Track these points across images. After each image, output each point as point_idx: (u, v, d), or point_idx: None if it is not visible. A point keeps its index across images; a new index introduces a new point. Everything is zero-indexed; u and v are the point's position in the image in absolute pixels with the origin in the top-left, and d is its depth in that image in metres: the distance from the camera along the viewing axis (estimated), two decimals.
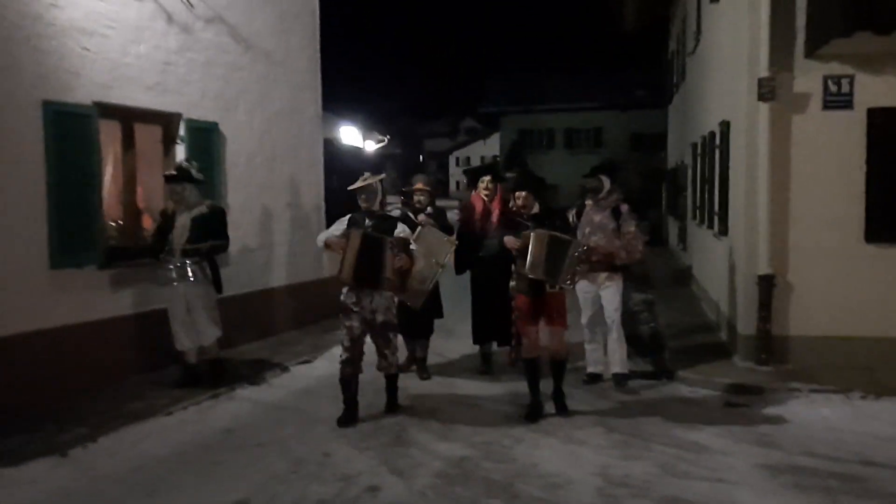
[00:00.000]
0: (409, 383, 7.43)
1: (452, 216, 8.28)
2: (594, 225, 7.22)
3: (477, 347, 8.03)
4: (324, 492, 4.96)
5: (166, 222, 7.07)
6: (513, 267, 6.47)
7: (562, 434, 5.97)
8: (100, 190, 7.22)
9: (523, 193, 6.48)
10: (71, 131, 6.82)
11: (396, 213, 7.47)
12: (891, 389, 6.88)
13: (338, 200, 11.03)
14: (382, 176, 6.64)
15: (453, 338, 8.93)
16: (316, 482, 5.11)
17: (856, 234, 7.71)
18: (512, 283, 6.50)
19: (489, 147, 40.42)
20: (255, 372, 7.80)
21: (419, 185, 7.78)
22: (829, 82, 7.68)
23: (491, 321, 7.63)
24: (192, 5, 8.18)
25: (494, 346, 7.94)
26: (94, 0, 7.11)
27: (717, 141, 10.04)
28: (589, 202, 7.39)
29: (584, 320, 7.44)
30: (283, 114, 9.91)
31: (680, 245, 16.71)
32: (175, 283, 6.98)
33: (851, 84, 7.66)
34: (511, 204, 7.02)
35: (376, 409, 6.56)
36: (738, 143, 8.44)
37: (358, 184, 6.43)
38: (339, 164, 15.75)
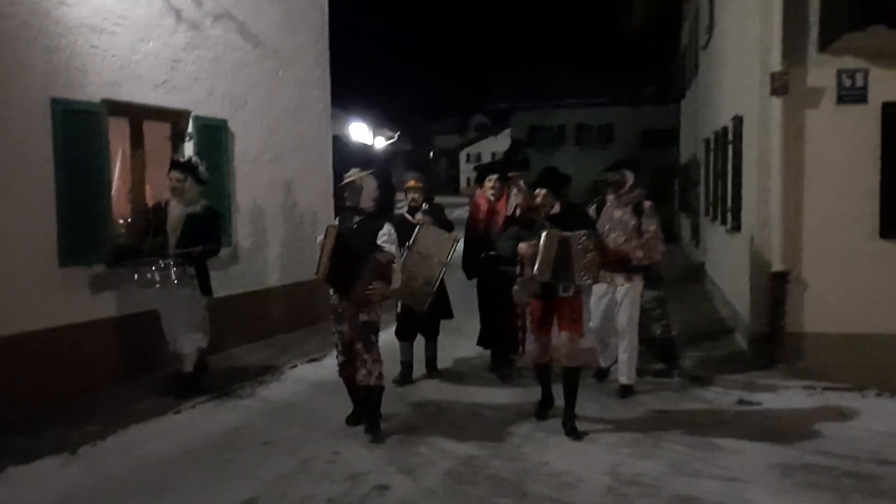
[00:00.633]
0: (420, 382, 7.41)
1: (462, 213, 8.25)
2: (614, 221, 6.92)
3: (481, 349, 7.92)
4: (332, 490, 4.93)
5: (160, 217, 6.81)
6: (518, 271, 6.11)
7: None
8: (109, 188, 7.21)
9: (542, 192, 6.05)
10: (79, 129, 6.80)
11: (405, 210, 7.40)
12: None
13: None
14: (370, 171, 6.28)
15: (461, 337, 8.89)
16: (325, 481, 5.09)
17: (870, 230, 7.62)
18: (515, 288, 6.14)
19: (500, 143, 40.33)
20: (263, 370, 7.78)
21: (411, 183, 7.49)
22: (843, 76, 7.60)
23: (495, 326, 7.47)
24: (200, 2, 8.17)
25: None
26: None
27: (730, 136, 9.96)
28: (609, 197, 7.11)
29: (592, 324, 7.08)
30: (292, 111, 9.88)
31: (692, 241, 16.62)
32: (157, 286, 6.62)
33: (865, 78, 7.57)
34: (514, 203, 6.98)
35: (384, 409, 6.51)
36: (750, 139, 8.37)
37: (344, 180, 6.11)
38: (349, 162, 15.70)
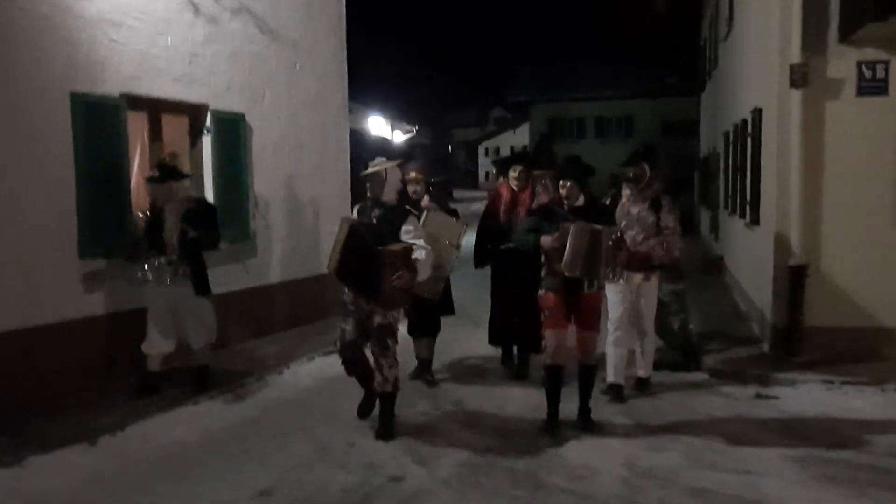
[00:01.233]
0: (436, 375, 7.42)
1: (481, 208, 8.15)
2: (632, 218, 6.59)
3: (492, 347, 7.69)
4: (348, 480, 4.97)
5: (156, 219, 6.65)
6: (543, 264, 5.86)
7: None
8: (128, 181, 7.26)
9: (568, 183, 5.77)
10: (99, 123, 6.86)
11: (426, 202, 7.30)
12: None
13: (364, 190, 11.05)
14: (396, 162, 6.06)
15: (480, 329, 8.88)
16: (341, 471, 5.13)
17: (890, 222, 7.55)
18: (547, 282, 5.84)
19: (519, 136, 40.27)
20: (280, 361, 7.84)
21: (412, 175, 7.13)
22: (864, 68, 7.52)
23: (511, 322, 7.11)
24: None
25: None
26: None
27: (749, 128, 9.89)
28: (626, 192, 6.79)
29: (609, 324, 6.62)
30: (310, 103, 9.92)
31: (711, 234, 16.53)
32: (152, 285, 6.60)
33: (886, 69, 7.50)
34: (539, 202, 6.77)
35: (400, 399, 6.54)
36: (769, 131, 8.31)
37: (368, 170, 5.87)
38: (366, 155, 15.75)
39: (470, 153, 73.27)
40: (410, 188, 7.06)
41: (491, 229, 7.19)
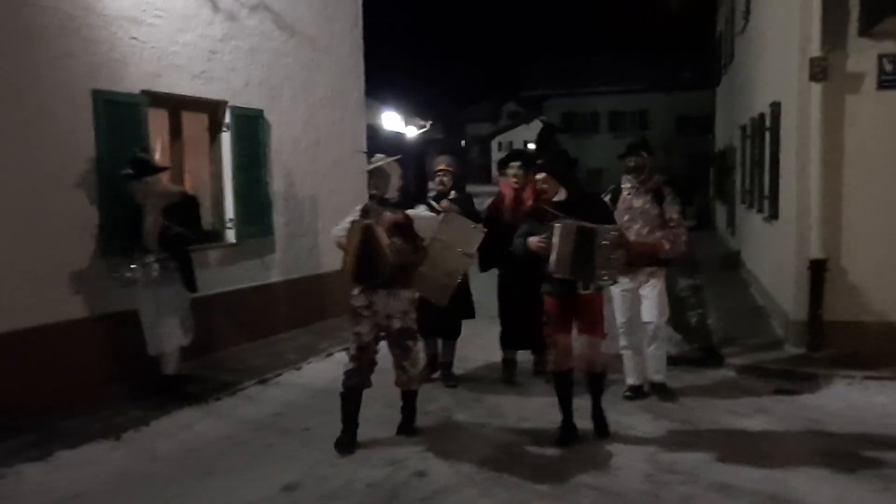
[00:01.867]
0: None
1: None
2: (634, 212, 6.32)
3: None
4: (372, 476, 5.01)
5: (136, 215, 6.46)
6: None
7: (609, 420, 5.90)
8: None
9: (542, 176, 5.47)
10: (120, 119, 6.90)
11: (433, 195, 7.22)
12: None
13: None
14: (397, 157, 5.82)
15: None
16: (364, 466, 5.16)
17: None
18: (544, 287, 5.62)
19: (532, 131, 40.10)
20: (301, 357, 7.88)
21: (442, 166, 7.00)
22: (885, 61, 7.47)
23: (520, 326, 6.90)
24: None
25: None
26: None
27: (767, 122, 9.84)
28: (626, 185, 6.47)
29: (619, 323, 6.48)
30: (327, 100, 9.95)
31: (728, 229, 16.47)
32: (138, 284, 6.38)
33: None
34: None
35: (421, 394, 6.55)
36: (788, 125, 8.27)
37: (369, 167, 5.69)
38: (382, 151, 15.75)
39: (483, 148, 73.12)
40: (437, 179, 6.97)
41: (495, 231, 6.60)
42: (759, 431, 5.70)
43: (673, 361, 7.33)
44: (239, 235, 8.37)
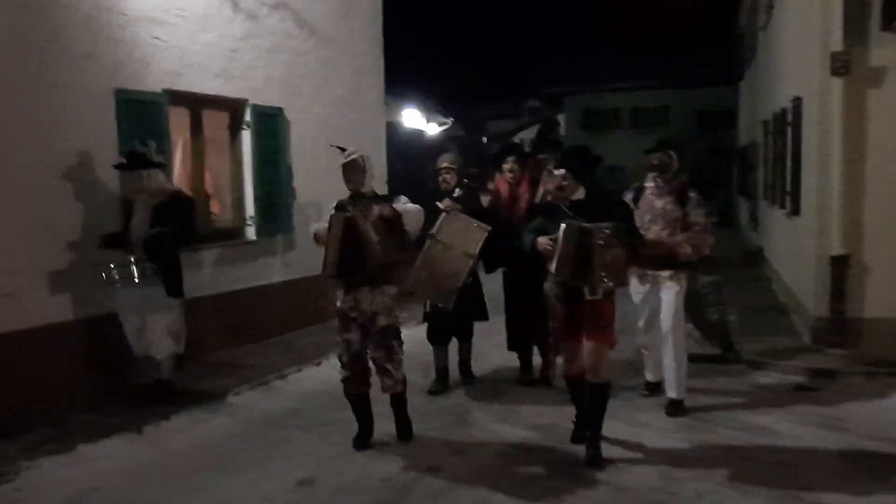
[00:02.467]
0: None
1: None
2: (655, 212, 6.02)
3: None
4: (387, 470, 5.04)
5: (126, 212, 6.32)
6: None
7: (625, 417, 5.90)
8: (170, 175, 7.39)
9: (561, 172, 5.15)
10: (142, 118, 6.99)
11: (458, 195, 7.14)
12: None
13: (401, 184, 11.08)
14: (364, 152, 5.56)
15: None
16: (379, 461, 5.20)
17: None
18: (546, 286, 5.41)
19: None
20: (319, 352, 7.92)
21: (444, 164, 6.74)
22: None
23: (524, 327, 6.77)
24: None
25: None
26: None
27: (789, 118, 9.76)
28: (649, 184, 6.18)
29: (640, 324, 6.34)
30: (346, 98, 10.00)
31: (751, 225, 16.35)
32: (118, 286, 6.09)
33: None
34: (544, 189, 6.34)
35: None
36: (810, 120, 8.20)
37: (341, 161, 5.45)
38: (402, 148, 15.82)
39: (504, 145, 72.84)
40: (441, 178, 6.73)
41: (494, 229, 6.17)
42: (777, 429, 5.66)
43: (692, 359, 7.28)
44: (259, 232, 8.46)
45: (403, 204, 5.44)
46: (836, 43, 7.39)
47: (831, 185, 7.55)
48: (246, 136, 8.38)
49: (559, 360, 5.54)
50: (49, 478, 5.00)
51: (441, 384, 6.80)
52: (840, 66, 7.37)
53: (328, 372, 7.40)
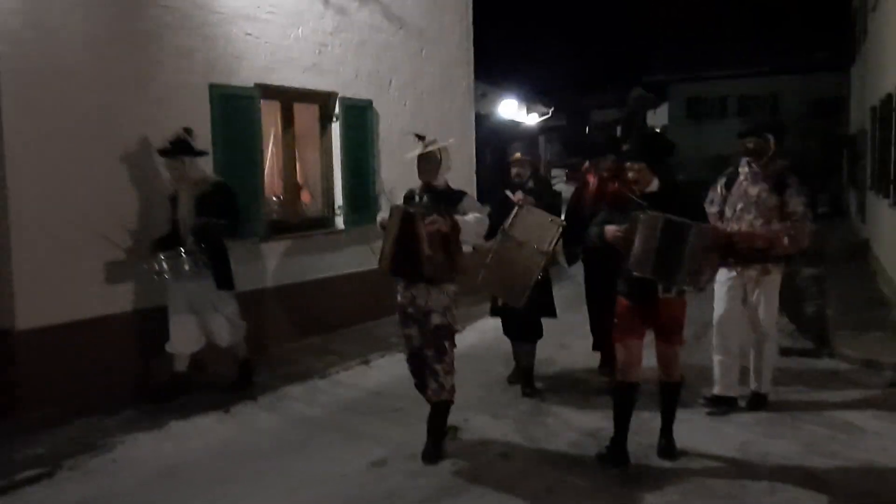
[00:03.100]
0: (550, 354, 7.41)
1: None
2: (749, 200, 5.60)
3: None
4: (459, 454, 5.15)
5: (173, 205, 6.22)
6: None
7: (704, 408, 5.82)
8: (262, 167, 7.69)
9: (636, 165, 4.84)
10: (235, 112, 7.29)
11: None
12: None
13: (490, 176, 11.17)
14: (450, 142, 5.41)
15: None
16: (453, 445, 5.29)
17: None
18: (618, 284, 5.02)
19: (658, 117, 39.07)
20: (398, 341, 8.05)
21: (516, 156, 6.55)
22: None
23: (605, 324, 6.11)
24: None
25: None
26: None
27: (895, 103, 9.31)
28: (743, 170, 5.75)
29: (715, 319, 5.84)
30: (436, 90, 10.12)
31: (858, 216, 15.65)
32: (167, 279, 6.01)
33: None
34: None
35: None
36: None
37: (416, 151, 5.21)
38: (494, 139, 15.85)
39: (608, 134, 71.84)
40: (514, 171, 6.55)
41: (575, 222, 6.06)
42: (863, 425, 5.47)
43: (783, 352, 7.10)
44: (347, 222, 8.67)
45: (464, 215, 5.02)
46: None
47: None
48: (335, 129, 8.61)
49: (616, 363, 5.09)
50: (142, 452, 5.32)
51: (524, 378, 6.50)
52: None
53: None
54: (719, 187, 5.86)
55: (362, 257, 8.81)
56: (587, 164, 6.94)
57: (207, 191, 6.15)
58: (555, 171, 24.80)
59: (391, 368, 7.27)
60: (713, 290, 5.71)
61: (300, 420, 5.98)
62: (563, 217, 6.23)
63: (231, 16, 7.31)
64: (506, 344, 6.90)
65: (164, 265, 5.94)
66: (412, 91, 9.70)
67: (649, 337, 4.97)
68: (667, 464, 4.86)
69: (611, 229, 4.79)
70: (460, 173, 10.52)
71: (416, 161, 5.22)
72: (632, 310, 4.86)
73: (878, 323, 8.29)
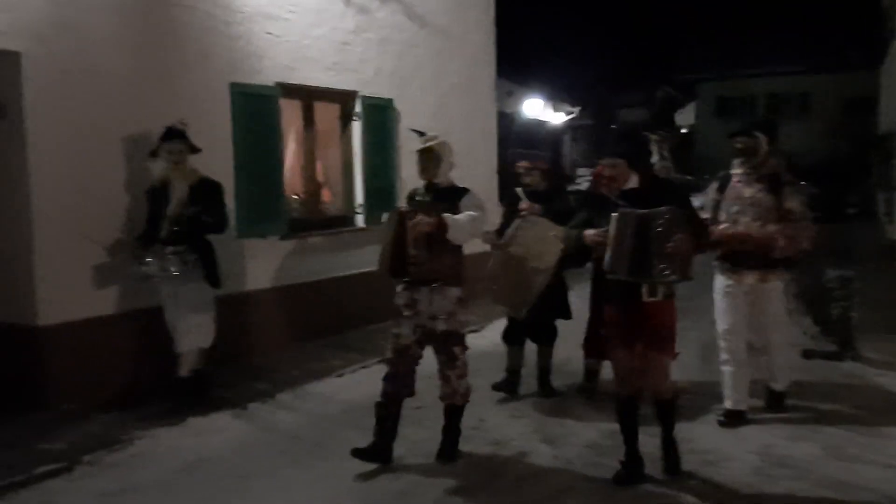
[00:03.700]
0: (567, 353, 7.35)
1: None
2: (744, 201, 5.37)
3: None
4: (476, 453, 5.15)
5: (157, 200, 5.96)
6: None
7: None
8: (282, 165, 7.72)
9: (612, 161, 4.57)
10: (256, 111, 7.33)
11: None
12: None
13: (513, 175, 11.11)
14: (443, 139, 5.09)
15: None
16: (469, 444, 5.26)
17: None
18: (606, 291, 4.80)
19: (685, 116, 38.73)
20: None
21: (523, 164, 6.29)
22: None
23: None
24: None
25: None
26: None
27: None
28: (736, 171, 5.52)
29: (720, 330, 5.60)
30: (458, 89, 10.11)
31: (886, 217, 15.42)
32: (154, 279, 5.85)
33: None
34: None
35: (531, 378, 6.55)
36: None
37: (421, 146, 5.03)
38: (517, 138, 15.80)
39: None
40: (523, 179, 6.33)
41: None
42: (887, 430, 5.37)
43: (806, 355, 7.02)
44: (368, 220, 8.68)
45: (454, 216, 4.78)
46: None
47: None
48: (356, 127, 8.63)
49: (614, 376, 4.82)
50: (161, 447, 5.37)
51: (508, 385, 6.33)
52: None
53: (430, 357, 7.57)
54: (711, 191, 5.64)
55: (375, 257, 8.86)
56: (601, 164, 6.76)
57: (197, 183, 5.98)
58: (580, 171, 24.68)
59: None
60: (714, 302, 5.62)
61: (316, 418, 5.99)
62: None
63: (252, 15, 7.36)
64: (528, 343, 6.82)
65: (152, 267, 5.77)
66: (434, 89, 9.70)
67: None
68: (687, 466, 4.79)
69: (590, 233, 4.58)
70: (483, 172, 10.54)
71: (416, 157, 5.06)
72: (620, 318, 4.60)
73: None
